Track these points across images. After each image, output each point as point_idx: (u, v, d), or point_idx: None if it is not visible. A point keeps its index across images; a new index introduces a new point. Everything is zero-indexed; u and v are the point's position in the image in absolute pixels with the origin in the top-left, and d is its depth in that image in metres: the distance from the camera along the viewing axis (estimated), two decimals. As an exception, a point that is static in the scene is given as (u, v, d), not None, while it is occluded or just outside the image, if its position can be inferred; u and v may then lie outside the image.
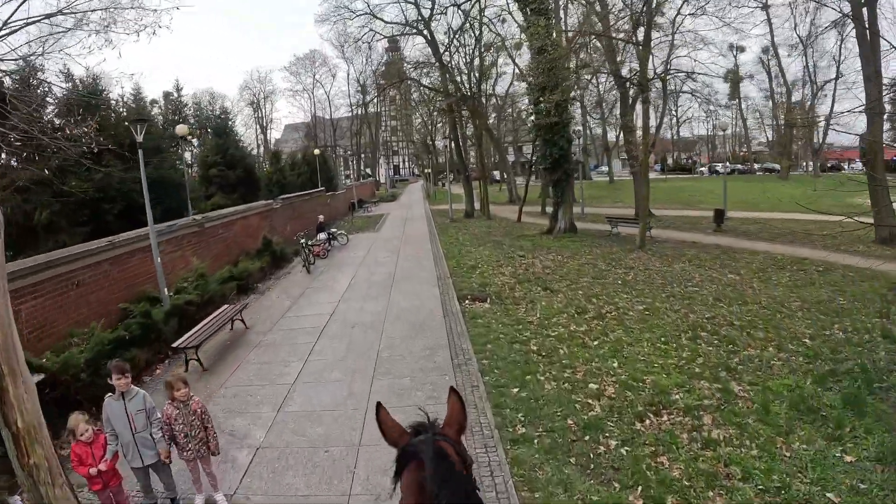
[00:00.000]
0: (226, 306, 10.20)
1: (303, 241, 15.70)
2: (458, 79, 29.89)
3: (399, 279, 13.30)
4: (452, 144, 30.75)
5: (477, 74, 31.64)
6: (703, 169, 60.91)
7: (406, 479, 1.38)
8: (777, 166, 61.44)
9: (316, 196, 27.99)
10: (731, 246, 16.45)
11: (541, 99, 17.96)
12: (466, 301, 10.69)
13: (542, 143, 19.68)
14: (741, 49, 48.04)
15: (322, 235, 19.00)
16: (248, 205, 17.82)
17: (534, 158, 22.35)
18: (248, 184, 25.57)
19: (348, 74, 76.85)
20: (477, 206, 29.86)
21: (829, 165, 52.23)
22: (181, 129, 18.83)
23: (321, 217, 19.82)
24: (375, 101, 75.86)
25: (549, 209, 28.94)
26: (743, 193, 35.03)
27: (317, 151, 41.33)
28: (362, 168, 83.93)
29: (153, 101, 54.63)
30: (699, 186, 42.36)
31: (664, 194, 35.98)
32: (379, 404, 1.61)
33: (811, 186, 39.56)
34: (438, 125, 76.38)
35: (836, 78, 42.40)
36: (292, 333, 9.51)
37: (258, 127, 75.31)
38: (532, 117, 22.03)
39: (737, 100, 55.63)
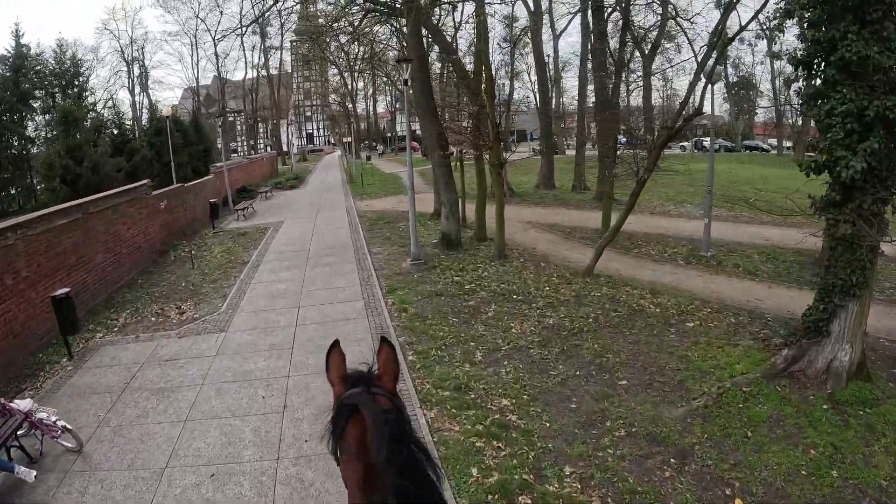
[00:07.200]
0: None
1: None
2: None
3: None
4: (408, 88, 13.21)
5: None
6: (684, 144, 48.41)
7: (350, 437, 1.28)
8: (763, 145, 52.98)
9: (108, 206, 12.56)
10: None
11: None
12: None
13: (827, 89, 5.85)
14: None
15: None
16: None
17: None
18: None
19: (240, 8, 56.64)
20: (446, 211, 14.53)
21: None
22: None
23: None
24: (281, 45, 58.64)
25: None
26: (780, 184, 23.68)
27: (167, 112, 25.22)
28: (267, 136, 66.35)
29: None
30: (716, 170, 30.56)
31: (683, 185, 22.94)
32: (337, 342, 1.48)
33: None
34: (360, 85, 60.14)
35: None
36: None
37: (132, 84, 52.05)
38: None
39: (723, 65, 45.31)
